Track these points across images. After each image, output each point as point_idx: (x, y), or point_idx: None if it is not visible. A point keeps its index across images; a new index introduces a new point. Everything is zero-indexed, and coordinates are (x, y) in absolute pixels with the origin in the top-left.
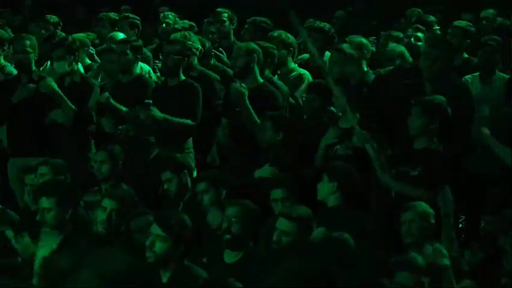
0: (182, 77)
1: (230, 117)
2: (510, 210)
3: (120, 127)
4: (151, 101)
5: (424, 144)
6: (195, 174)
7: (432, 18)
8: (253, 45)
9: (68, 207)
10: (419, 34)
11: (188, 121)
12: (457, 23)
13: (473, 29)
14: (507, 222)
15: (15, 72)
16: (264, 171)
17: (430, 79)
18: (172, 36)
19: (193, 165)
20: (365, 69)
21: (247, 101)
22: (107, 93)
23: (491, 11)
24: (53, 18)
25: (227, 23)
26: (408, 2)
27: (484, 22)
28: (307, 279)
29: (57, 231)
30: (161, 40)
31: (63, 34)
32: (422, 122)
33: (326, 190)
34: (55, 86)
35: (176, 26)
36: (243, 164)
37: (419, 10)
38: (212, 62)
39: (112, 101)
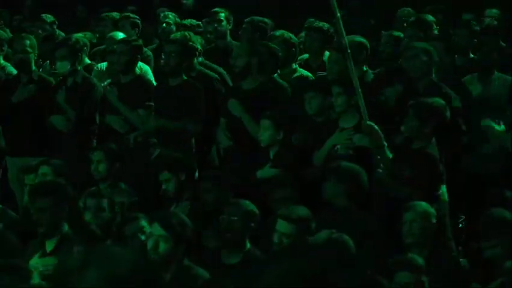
0: (184, 77)
1: (229, 118)
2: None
3: (129, 135)
4: (152, 103)
5: (421, 144)
6: (196, 174)
7: (431, 18)
8: (253, 45)
9: (63, 208)
10: None
11: (189, 125)
12: (462, 22)
13: (477, 27)
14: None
15: (15, 72)
16: (266, 172)
17: (420, 78)
18: (173, 36)
19: (195, 165)
20: (364, 68)
21: (245, 113)
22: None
23: (495, 10)
24: (49, 17)
25: (224, 23)
26: (407, 2)
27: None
28: (307, 279)
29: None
30: (160, 40)
31: (62, 34)
32: (415, 124)
33: (333, 191)
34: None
35: (184, 22)
36: (243, 164)
37: (409, 9)
38: (200, 59)
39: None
